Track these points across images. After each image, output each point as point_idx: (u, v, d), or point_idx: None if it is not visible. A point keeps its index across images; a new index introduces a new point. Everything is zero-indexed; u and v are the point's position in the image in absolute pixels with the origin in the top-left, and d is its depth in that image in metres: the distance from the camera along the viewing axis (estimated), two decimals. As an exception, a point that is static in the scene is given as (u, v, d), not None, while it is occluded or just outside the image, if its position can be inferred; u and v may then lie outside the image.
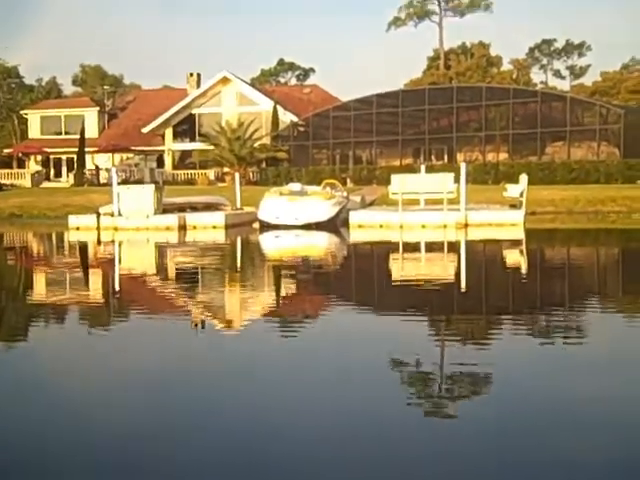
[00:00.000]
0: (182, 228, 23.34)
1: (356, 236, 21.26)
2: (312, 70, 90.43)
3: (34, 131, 58.99)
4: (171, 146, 55.67)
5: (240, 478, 3.95)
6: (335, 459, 4.17)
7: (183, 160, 54.28)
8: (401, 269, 14.21)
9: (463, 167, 22.81)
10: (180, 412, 5.03)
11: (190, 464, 4.08)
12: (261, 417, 4.88)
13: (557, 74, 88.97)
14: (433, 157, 47.85)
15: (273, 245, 20.23)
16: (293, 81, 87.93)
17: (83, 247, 20.71)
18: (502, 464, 4.05)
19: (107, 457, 4.23)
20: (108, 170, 48.58)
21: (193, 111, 55.22)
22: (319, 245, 19.86)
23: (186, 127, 55.71)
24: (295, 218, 22.99)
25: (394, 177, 23.57)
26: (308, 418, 4.89)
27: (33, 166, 56.71)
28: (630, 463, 4.04)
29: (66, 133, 57.06)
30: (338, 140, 47.39)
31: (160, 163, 55.41)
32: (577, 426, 4.63)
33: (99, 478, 3.98)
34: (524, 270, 13.71)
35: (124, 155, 55.67)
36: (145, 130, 54.57)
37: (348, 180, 43.00)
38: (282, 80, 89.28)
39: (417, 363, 6.23)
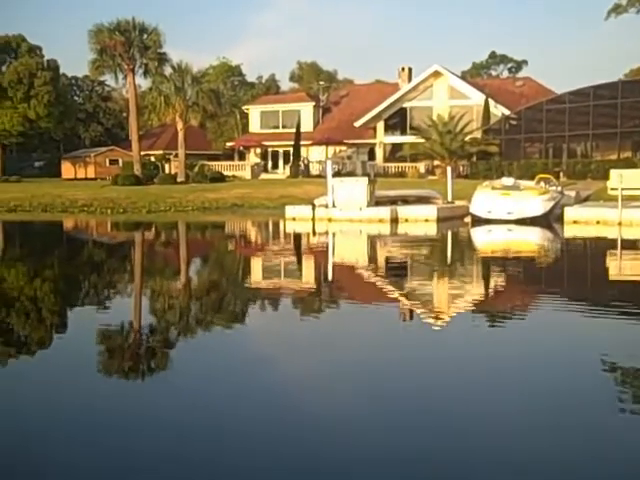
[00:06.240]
0: (394, 221, 23.70)
1: (571, 232, 20.76)
2: (525, 62, 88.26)
3: (254, 125, 62.16)
4: (382, 139, 56.58)
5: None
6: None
7: (394, 153, 55.02)
8: (622, 267, 13.85)
9: (690, 162, 21.64)
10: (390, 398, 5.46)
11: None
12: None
13: None
14: (655, 151, 45.40)
15: (487, 239, 20.22)
16: (505, 74, 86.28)
17: (300, 237, 21.76)
18: None
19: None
20: (320, 162, 50.26)
21: (404, 105, 55.78)
22: (534, 241, 19.55)
23: (397, 121, 56.37)
24: (508, 213, 22.77)
25: (613, 172, 22.75)
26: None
27: (253, 158, 59.86)
28: None
29: (283, 127, 59.65)
30: (551, 134, 46.10)
31: (371, 156, 56.50)
32: None
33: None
34: None
35: (337, 148, 57.31)
36: (357, 124, 55.86)
37: (561, 174, 41.77)
38: (493, 73, 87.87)
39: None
